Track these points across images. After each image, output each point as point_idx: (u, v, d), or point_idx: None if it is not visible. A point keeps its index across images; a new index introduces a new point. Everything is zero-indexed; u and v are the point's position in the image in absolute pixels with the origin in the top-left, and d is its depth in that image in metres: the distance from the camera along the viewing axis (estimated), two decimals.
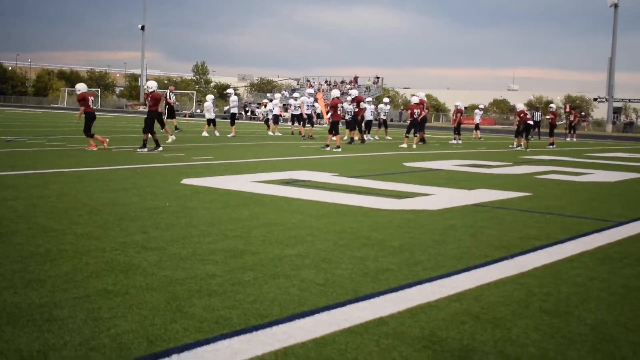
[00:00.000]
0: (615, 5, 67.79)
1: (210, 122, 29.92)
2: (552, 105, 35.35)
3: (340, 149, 21.81)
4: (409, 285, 5.15)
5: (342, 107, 24.07)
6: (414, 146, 25.62)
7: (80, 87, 18.62)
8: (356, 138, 27.10)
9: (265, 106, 38.61)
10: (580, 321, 4.46)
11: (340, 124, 23.39)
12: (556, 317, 4.53)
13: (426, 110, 30.49)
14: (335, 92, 23.92)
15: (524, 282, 5.41)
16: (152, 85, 18.85)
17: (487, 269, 5.84)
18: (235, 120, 31.45)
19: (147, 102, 18.27)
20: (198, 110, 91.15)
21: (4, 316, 4.08)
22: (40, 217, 7.44)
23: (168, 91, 32.50)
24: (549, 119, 33.53)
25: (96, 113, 18.91)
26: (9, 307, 4.26)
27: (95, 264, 5.41)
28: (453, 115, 34.07)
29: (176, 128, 30.99)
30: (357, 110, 26.50)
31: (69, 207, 8.19)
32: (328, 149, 21.95)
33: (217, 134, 29.36)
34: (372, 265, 5.76)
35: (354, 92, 27.92)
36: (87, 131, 17.94)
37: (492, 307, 4.68)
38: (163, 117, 21.41)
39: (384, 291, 4.95)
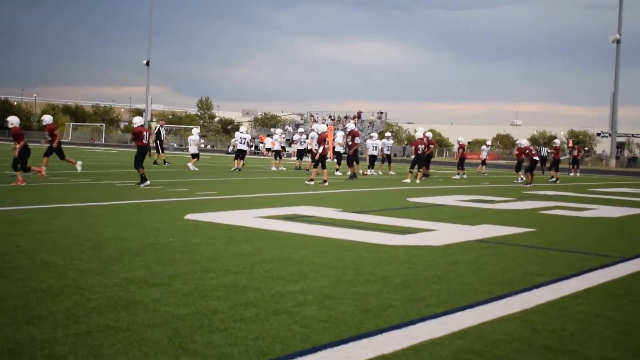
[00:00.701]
0: (618, 41, 68.24)
1: (194, 156, 29.68)
2: (556, 140, 35.42)
3: (327, 183, 21.84)
4: (412, 322, 5.12)
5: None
6: (418, 181, 25.65)
7: (14, 121, 18.19)
8: (347, 172, 27.02)
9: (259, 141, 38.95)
10: (585, 359, 4.43)
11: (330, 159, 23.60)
12: (560, 354, 4.50)
13: (431, 147, 30.58)
14: (322, 127, 24.02)
15: (528, 319, 5.38)
16: (136, 120, 19.19)
17: (491, 306, 5.81)
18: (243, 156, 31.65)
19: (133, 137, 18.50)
20: (202, 145, 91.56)
21: (5, 352, 4.06)
22: (43, 252, 7.43)
23: (158, 126, 32.81)
24: (551, 153, 33.56)
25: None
26: (10, 343, 4.24)
27: (97, 300, 5.40)
28: (457, 150, 34.25)
29: (164, 162, 31.35)
30: (350, 144, 26.68)
31: (72, 242, 8.19)
32: (312, 183, 21.88)
33: (194, 168, 28.79)
34: (375, 302, 5.73)
35: (350, 126, 28.03)
36: (16, 164, 17.50)
37: (495, 345, 4.65)
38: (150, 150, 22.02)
39: (386, 328, 4.93)
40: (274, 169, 32.93)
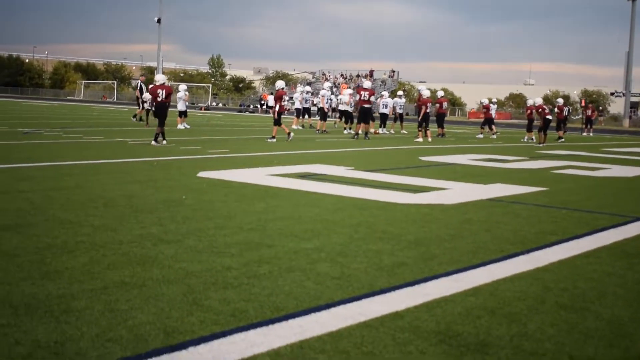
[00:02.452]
0: (633, 0, 67.28)
1: (182, 114, 28.55)
2: (559, 99, 35.08)
3: (291, 136, 21.76)
4: (425, 280, 5.14)
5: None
6: (430, 139, 25.58)
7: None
8: (360, 131, 26.34)
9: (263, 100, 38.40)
10: (596, 317, 4.45)
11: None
12: (572, 312, 4.52)
13: (445, 105, 30.26)
14: (280, 83, 23.21)
15: (540, 277, 5.40)
16: (157, 78, 19.24)
17: (503, 264, 5.83)
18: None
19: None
20: (214, 104, 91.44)
21: (22, 307, 4.11)
22: (57, 209, 7.48)
23: (139, 82, 31.62)
24: (556, 113, 33.28)
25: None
26: (26, 297, 4.29)
27: (112, 256, 5.44)
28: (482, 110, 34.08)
29: (140, 119, 30.03)
30: (365, 101, 25.77)
31: (85, 199, 8.24)
32: (274, 140, 21.46)
33: (186, 126, 28.00)
34: (388, 260, 5.76)
35: (367, 84, 27.38)
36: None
37: (508, 302, 4.67)
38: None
39: (399, 285, 4.95)
40: (294, 127, 32.42)
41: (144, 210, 7.63)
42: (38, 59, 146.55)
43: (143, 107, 30.02)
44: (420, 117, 26.26)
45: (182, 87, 30.50)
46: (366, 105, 25.49)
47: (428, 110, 26.31)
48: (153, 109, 18.69)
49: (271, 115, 29.37)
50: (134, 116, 30.83)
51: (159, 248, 5.80)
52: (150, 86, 18.65)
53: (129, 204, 7.98)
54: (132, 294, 4.46)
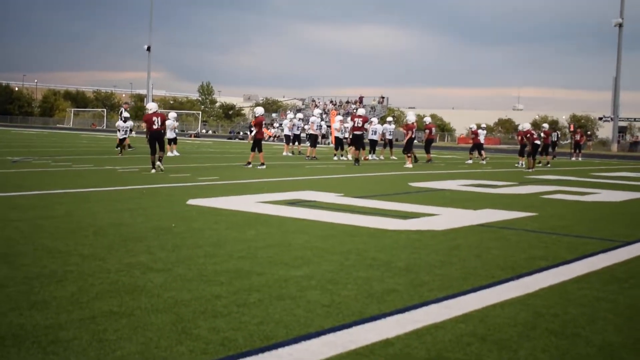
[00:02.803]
0: (620, 25, 67.97)
1: (171, 141, 28.20)
2: (544, 125, 35.31)
3: (264, 167, 21.66)
4: (415, 307, 5.13)
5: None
6: (410, 165, 25.71)
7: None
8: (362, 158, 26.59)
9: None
10: (587, 343, 4.44)
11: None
12: (563, 338, 4.51)
13: (434, 130, 30.56)
14: (259, 110, 23.21)
15: (531, 303, 5.39)
16: (149, 107, 19.33)
17: (493, 290, 5.82)
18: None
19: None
20: (204, 131, 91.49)
21: (10, 337, 4.07)
22: (46, 238, 7.45)
23: (122, 109, 31.41)
24: (542, 138, 33.46)
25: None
26: (14, 328, 4.25)
27: (100, 285, 5.41)
28: (470, 135, 34.29)
29: (129, 146, 30.08)
30: (358, 128, 26.07)
31: (75, 227, 8.20)
32: (250, 166, 21.60)
33: (176, 153, 27.83)
34: (378, 286, 5.74)
35: (361, 111, 27.79)
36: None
37: (498, 329, 4.65)
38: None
39: (389, 312, 4.93)
40: (285, 153, 32.73)
41: (133, 238, 7.60)
42: (27, 87, 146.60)
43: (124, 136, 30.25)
44: (405, 142, 26.49)
45: (172, 114, 30.37)
46: (357, 132, 25.73)
47: (413, 136, 26.48)
48: (147, 136, 18.74)
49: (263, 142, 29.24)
50: (117, 146, 30.66)
51: (148, 277, 5.77)
52: (146, 114, 18.80)
53: (118, 233, 7.95)
54: (120, 324, 4.43)
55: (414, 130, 26.83)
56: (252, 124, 20.87)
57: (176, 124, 29.00)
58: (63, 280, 5.55)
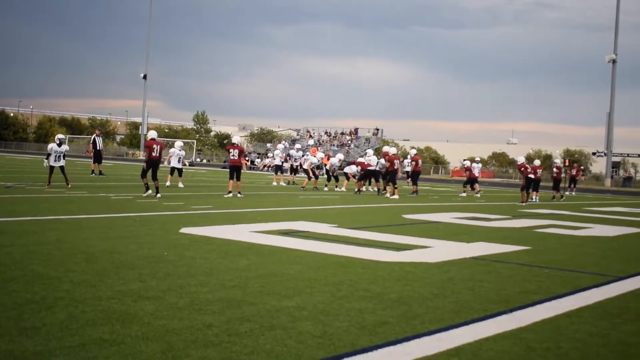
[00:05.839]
0: (614, 61, 68.59)
1: (176, 170, 26.31)
2: (556, 160, 35.62)
3: (242, 195, 21.73)
4: (407, 339, 5.10)
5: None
6: (388, 195, 25.91)
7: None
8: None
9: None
10: None
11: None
12: None
13: (419, 162, 31.13)
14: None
15: (523, 337, 5.37)
16: (149, 134, 19.87)
17: (486, 323, 5.80)
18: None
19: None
20: (198, 159, 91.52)
21: None
22: (37, 264, 7.41)
23: (94, 136, 31.47)
24: (554, 173, 33.72)
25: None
26: (3, 354, 4.21)
27: (91, 313, 5.37)
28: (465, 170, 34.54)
29: (100, 173, 30.15)
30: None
31: (66, 254, 8.16)
32: (231, 195, 21.57)
33: (180, 185, 26.03)
34: (370, 318, 5.72)
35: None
36: None
37: None
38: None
39: (381, 344, 4.91)
40: (274, 184, 32.80)
41: (125, 265, 7.57)
42: (23, 113, 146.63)
43: (99, 161, 30.69)
44: (389, 174, 26.80)
45: (178, 143, 27.73)
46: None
47: (396, 167, 26.68)
48: (146, 161, 18.95)
49: (255, 171, 29.15)
50: (92, 172, 30.78)
51: (139, 304, 5.74)
52: (147, 140, 19.25)
53: (110, 260, 7.91)
54: (110, 351, 4.39)
55: (395, 162, 27.01)
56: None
57: (183, 152, 26.77)
58: (53, 306, 5.52)
